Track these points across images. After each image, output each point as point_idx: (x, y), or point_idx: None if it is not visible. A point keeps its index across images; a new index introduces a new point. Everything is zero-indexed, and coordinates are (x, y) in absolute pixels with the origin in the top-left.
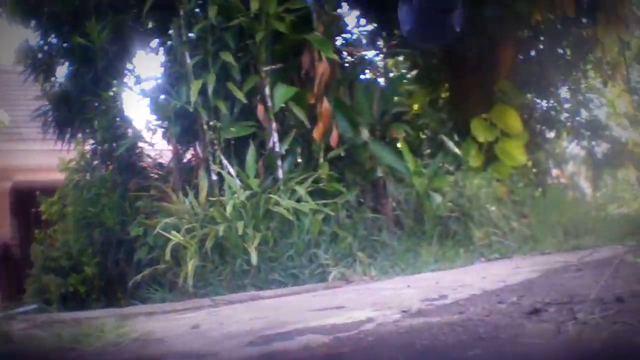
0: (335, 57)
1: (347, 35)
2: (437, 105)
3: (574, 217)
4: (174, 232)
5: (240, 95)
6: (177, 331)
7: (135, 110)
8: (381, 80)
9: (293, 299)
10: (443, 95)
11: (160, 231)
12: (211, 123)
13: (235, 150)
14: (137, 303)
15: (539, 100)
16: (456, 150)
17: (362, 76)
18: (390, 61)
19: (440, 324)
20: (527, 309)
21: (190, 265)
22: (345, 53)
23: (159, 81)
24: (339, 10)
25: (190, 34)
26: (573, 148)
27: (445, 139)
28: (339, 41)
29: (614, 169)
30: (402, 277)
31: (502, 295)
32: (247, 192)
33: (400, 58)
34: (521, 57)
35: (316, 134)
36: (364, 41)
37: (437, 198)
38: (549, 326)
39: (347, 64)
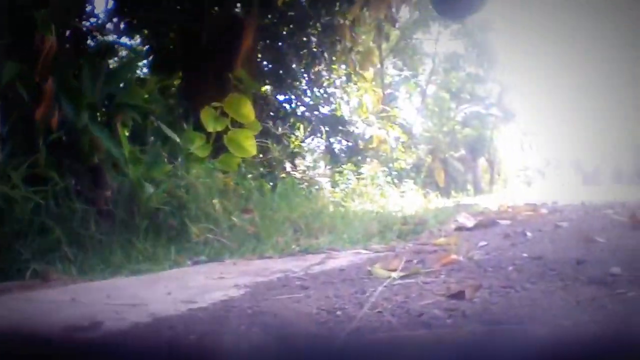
0: (53, 37)
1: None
2: (169, 92)
3: (307, 213)
4: None
5: None
6: None
7: None
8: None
9: None
10: (177, 81)
11: None
12: None
13: None
14: None
15: (280, 91)
16: (176, 138)
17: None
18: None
19: None
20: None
21: None
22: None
23: None
24: None
25: None
26: (314, 142)
27: (162, 126)
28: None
29: (357, 165)
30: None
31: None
32: None
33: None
34: (263, 43)
35: (37, 115)
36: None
37: (149, 188)
38: None
39: (85, 46)
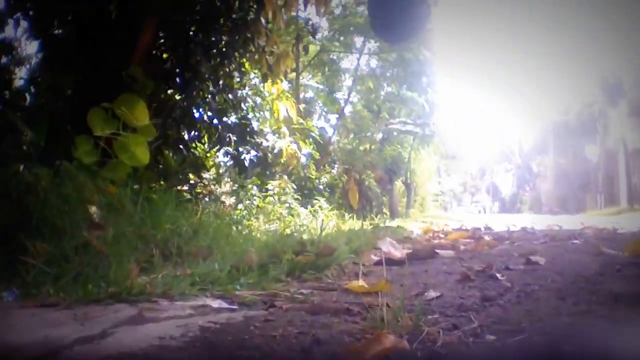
0: None
1: None
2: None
3: (182, 232)
4: None
5: None
6: None
7: None
8: None
9: None
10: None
11: None
12: None
13: None
14: None
15: (186, 95)
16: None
17: None
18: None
19: None
20: None
21: None
22: None
23: None
24: None
25: None
26: (222, 153)
27: (19, 122)
28: None
29: (264, 180)
30: None
31: None
32: None
33: None
34: (165, 40)
35: None
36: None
37: None
38: None
39: None
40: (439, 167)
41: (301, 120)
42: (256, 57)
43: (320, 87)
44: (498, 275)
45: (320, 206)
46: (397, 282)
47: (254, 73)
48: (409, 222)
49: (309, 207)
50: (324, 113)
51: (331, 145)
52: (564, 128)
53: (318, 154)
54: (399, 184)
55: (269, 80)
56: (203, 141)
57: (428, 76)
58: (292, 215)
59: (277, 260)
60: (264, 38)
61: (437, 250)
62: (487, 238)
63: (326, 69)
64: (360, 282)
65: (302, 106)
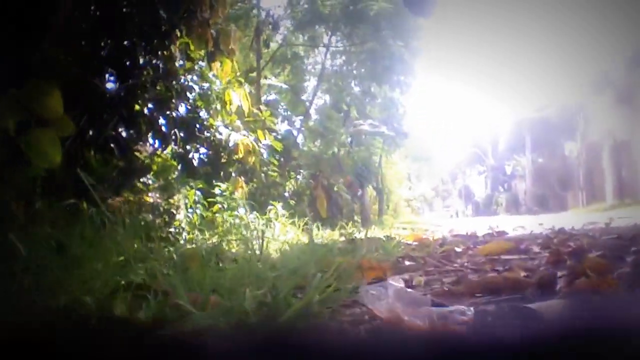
0: None
1: None
2: None
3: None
4: None
5: None
6: None
7: None
8: None
9: None
10: None
11: None
12: None
13: None
14: None
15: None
16: None
17: None
18: None
19: None
20: None
21: None
22: None
23: None
24: None
25: None
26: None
27: None
28: None
29: (217, 180)
30: None
31: None
32: None
33: None
34: (91, 17)
35: None
36: None
37: None
38: None
39: None
40: (409, 172)
41: (255, 111)
42: (199, 31)
43: (284, 86)
44: None
45: (275, 213)
46: None
47: (200, 55)
48: (384, 229)
49: (264, 214)
50: (288, 114)
51: (296, 150)
52: (541, 125)
53: (280, 145)
54: (370, 190)
55: (217, 62)
56: (143, 139)
57: (399, 74)
58: (242, 227)
59: None
60: (208, 9)
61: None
62: (536, 249)
63: (289, 67)
64: None
65: (263, 107)
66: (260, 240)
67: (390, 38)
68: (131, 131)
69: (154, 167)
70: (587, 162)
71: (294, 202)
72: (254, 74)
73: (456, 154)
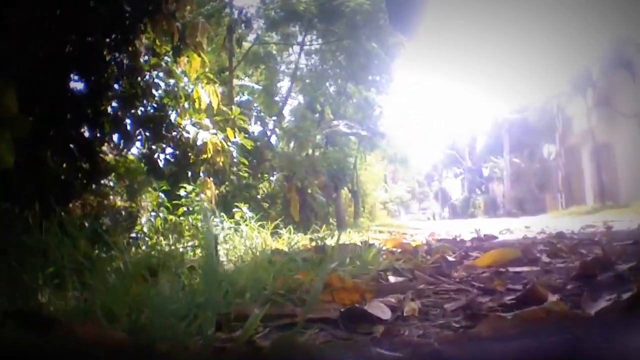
0: None
1: None
2: None
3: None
4: None
5: None
6: None
7: None
8: None
9: None
10: None
11: None
12: None
13: None
14: None
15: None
16: None
17: None
18: None
19: None
20: None
21: None
22: None
23: None
24: None
25: None
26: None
27: None
28: None
29: (184, 182)
30: None
31: None
32: None
33: None
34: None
35: None
36: None
37: None
38: None
39: None
40: (385, 174)
41: (225, 109)
42: (165, 25)
43: (257, 86)
44: None
45: (242, 216)
46: None
47: (167, 50)
48: (360, 232)
49: (232, 218)
50: (261, 115)
51: (270, 151)
52: (519, 126)
53: (250, 143)
54: (345, 192)
55: (184, 57)
56: (107, 139)
57: (376, 73)
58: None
59: None
60: (174, 2)
61: None
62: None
63: (262, 67)
64: None
65: (235, 108)
66: (214, 248)
67: (366, 35)
68: (95, 131)
69: (120, 170)
70: (566, 164)
71: (267, 204)
72: (227, 74)
73: (433, 156)
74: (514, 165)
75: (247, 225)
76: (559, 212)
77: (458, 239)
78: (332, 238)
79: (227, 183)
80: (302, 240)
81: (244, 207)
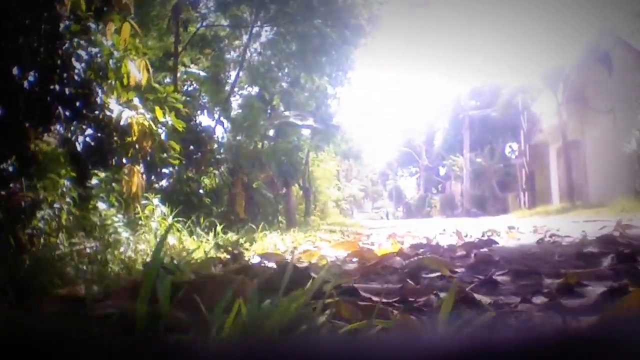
0: None
1: None
2: None
3: None
4: None
5: None
6: None
7: None
8: None
9: None
10: None
11: None
12: None
13: None
14: None
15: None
16: None
17: None
18: None
19: None
20: None
21: None
22: None
23: None
24: None
25: None
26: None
27: None
28: None
29: (105, 169)
30: None
31: None
32: None
33: None
34: None
35: None
36: None
37: None
38: None
39: None
40: (338, 171)
41: (156, 85)
42: None
43: (202, 73)
44: None
45: (152, 210)
46: None
47: (90, 14)
48: (309, 231)
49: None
50: (209, 105)
51: (213, 142)
52: (481, 123)
53: (182, 125)
54: (295, 189)
55: (111, 24)
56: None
57: (332, 62)
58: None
59: None
60: None
61: None
62: None
63: (210, 52)
64: None
65: (180, 97)
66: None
67: (322, 18)
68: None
69: (39, 157)
70: (530, 163)
71: (209, 200)
72: (172, 61)
73: (388, 154)
74: (474, 163)
75: (158, 221)
76: (524, 212)
77: (448, 246)
78: (256, 243)
79: (168, 175)
80: (228, 240)
81: (155, 200)
